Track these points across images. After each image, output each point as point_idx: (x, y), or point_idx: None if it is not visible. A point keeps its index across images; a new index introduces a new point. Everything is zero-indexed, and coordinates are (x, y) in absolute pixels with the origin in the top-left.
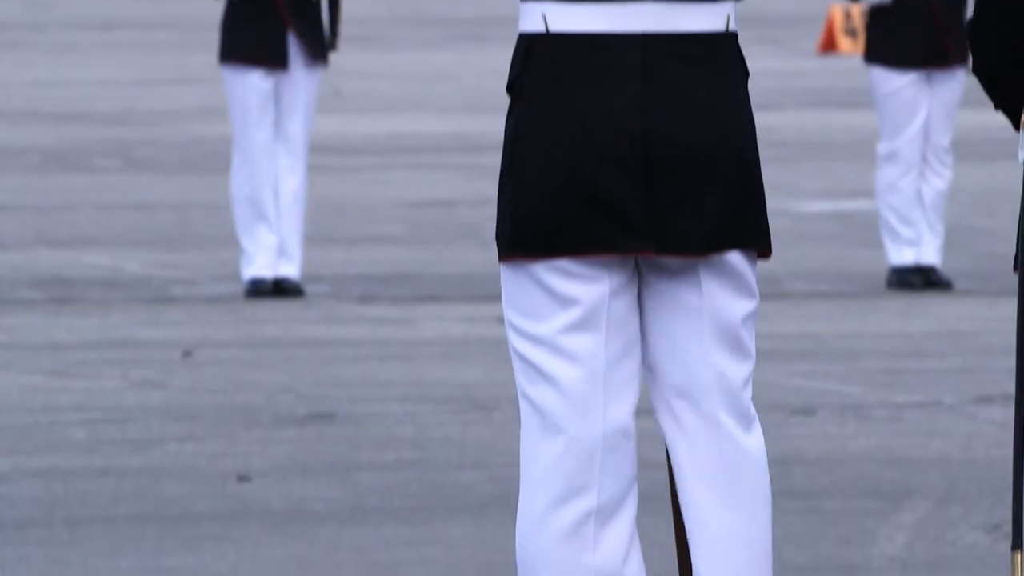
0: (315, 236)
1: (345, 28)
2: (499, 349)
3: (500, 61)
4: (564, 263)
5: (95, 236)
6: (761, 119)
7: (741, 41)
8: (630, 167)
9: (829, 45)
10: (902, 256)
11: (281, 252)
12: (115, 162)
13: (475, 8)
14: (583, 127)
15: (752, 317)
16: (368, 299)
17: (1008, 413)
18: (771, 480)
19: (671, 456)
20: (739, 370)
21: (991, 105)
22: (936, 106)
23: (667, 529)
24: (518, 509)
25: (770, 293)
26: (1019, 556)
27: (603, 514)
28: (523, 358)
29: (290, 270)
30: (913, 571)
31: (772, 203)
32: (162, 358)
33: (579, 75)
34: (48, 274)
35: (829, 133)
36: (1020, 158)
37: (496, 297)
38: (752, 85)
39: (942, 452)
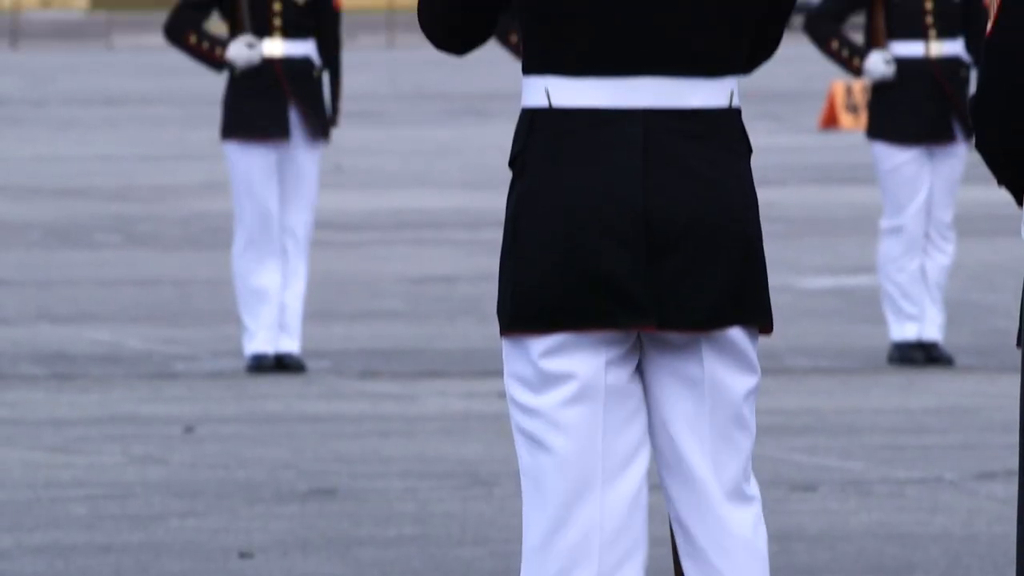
0: (316, 312)
1: (346, 104)
2: (500, 425)
3: (501, 136)
4: (565, 337)
5: (96, 312)
6: (763, 195)
7: (743, 117)
8: (631, 242)
9: (831, 121)
10: (904, 332)
11: (282, 328)
12: (116, 237)
13: (476, 84)
14: (584, 202)
15: (753, 393)
16: (369, 375)
17: (1010, 489)
18: (772, 556)
19: (673, 531)
20: (739, 446)
21: (993, 181)
22: (938, 182)
23: None
24: None
25: (771, 368)
26: None
27: None
28: (524, 431)
29: (291, 346)
30: None
31: (774, 279)
32: (163, 434)
33: (581, 150)
34: (49, 350)
35: (831, 209)
36: (1023, 234)
37: (497, 372)
38: (754, 161)
39: (944, 528)
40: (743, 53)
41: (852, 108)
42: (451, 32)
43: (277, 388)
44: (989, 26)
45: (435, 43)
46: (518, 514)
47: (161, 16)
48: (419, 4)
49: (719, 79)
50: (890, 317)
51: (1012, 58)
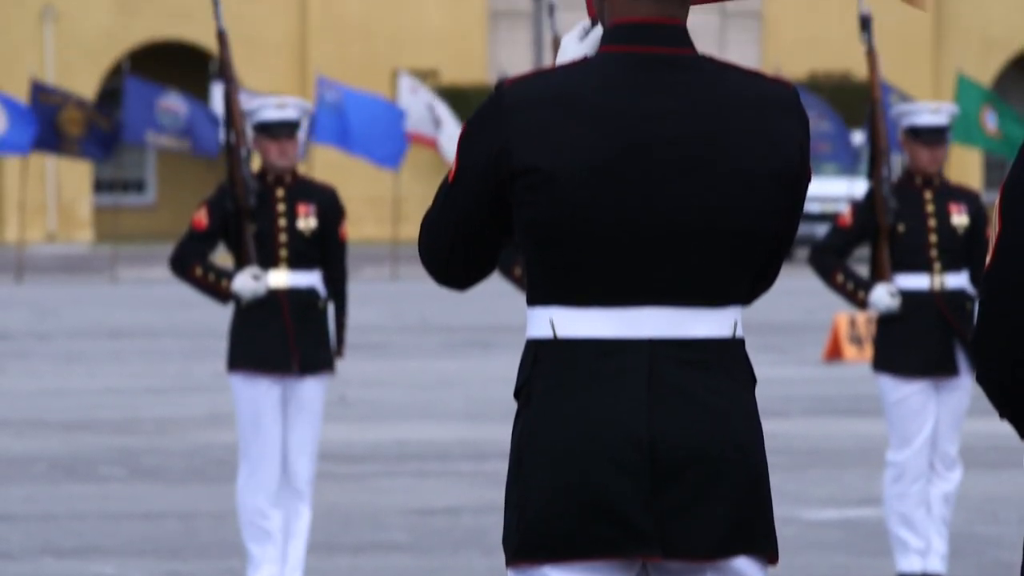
0: (320, 544)
1: (351, 335)
2: None
3: (505, 368)
4: (571, 566)
5: (101, 545)
6: (767, 426)
7: (746, 348)
8: (636, 472)
9: (835, 353)
10: (910, 564)
11: (286, 560)
12: (121, 471)
13: (480, 316)
14: (589, 432)
15: None
16: None
17: None
18: None
19: None
20: None
21: (996, 413)
22: (944, 414)
23: None
24: None
25: None
26: None
27: None
28: None
29: None
30: None
31: (778, 510)
32: None
33: (585, 381)
34: None
35: (835, 440)
36: None
37: None
38: (758, 392)
39: None
40: (745, 284)
41: (856, 340)
42: (452, 268)
43: None
44: (988, 260)
45: (437, 278)
46: None
47: (166, 249)
48: (421, 240)
49: (722, 309)
50: (896, 548)
51: (1012, 293)
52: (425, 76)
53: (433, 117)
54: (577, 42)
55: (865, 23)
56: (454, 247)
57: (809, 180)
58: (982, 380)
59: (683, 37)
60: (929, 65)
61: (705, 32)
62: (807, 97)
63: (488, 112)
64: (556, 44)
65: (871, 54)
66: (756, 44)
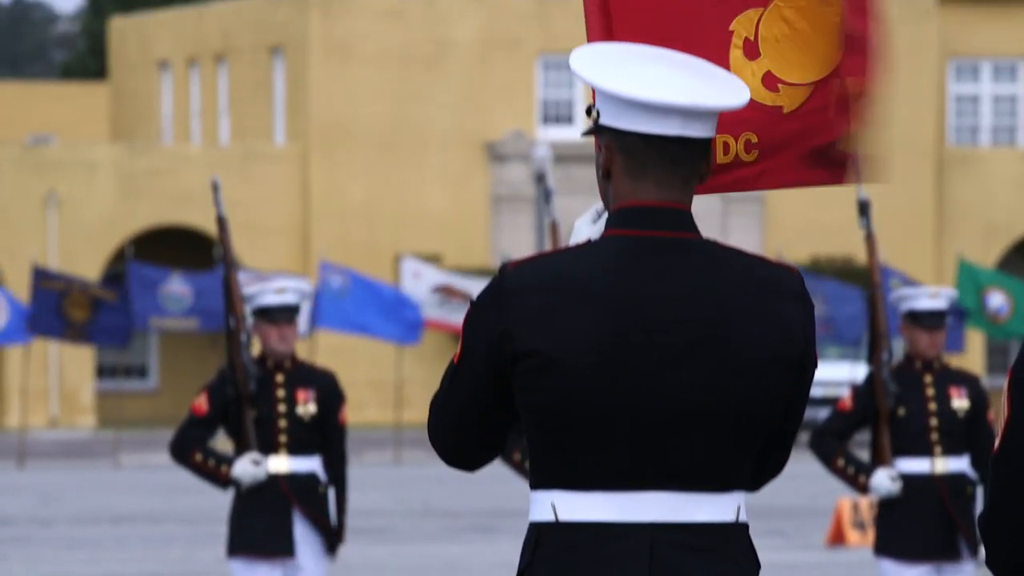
0: None
1: (353, 519)
2: None
3: (508, 553)
4: None
5: None
6: None
7: (750, 533)
8: None
9: (837, 538)
10: None
11: None
12: None
13: (483, 500)
14: None
15: None
16: None
17: None
18: None
19: None
20: None
21: None
22: None
23: None
24: None
25: None
26: None
27: None
28: None
29: None
30: None
31: None
32: None
33: (587, 565)
34: None
35: None
36: None
37: None
38: None
39: None
40: (749, 469)
41: (859, 525)
42: (460, 450)
43: None
44: (997, 442)
45: (446, 460)
46: None
47: (168, 434)
48: (430, 422)
49: (725, 494)
50: None
51: (1022, 475)
52: (428, 260)
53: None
54: (590, 224)
55: (863, 208)
56: (460, 429)
57: (815, 366)
58: (992, 564)
59: (687, 221)
60: (931, 249)
61: (707, 216)
62: (809, 279)
63: (491, 295)
64: (553, 229)
65: (870, 239)
66: (758, 229)
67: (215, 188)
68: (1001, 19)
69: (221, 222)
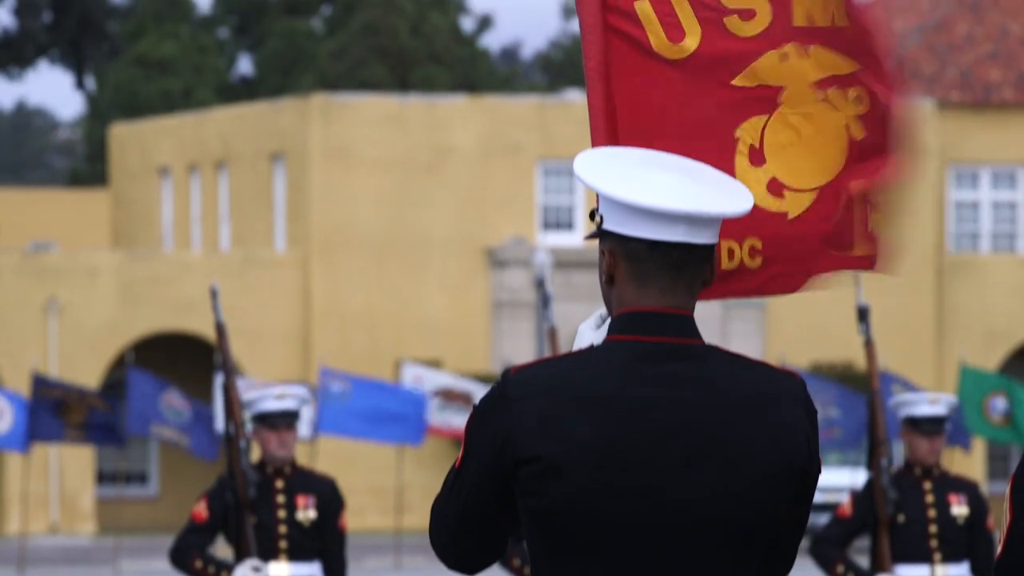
0: None
1: None
2: None
3: None
4: None
5: None
6: None
7: None
8: None
9: None
10: None
11: None
12: None
13: None
14: None
15: None
16: None
17: None
18: None
19: None
20: None
21: None
22: None
23: None
24: None
25: None
26: None
27: None
28: None
29: None
30: None
31: None
32: None
33: None
34: None
35: None
36: None
37: None
38: None
39: None
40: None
41: None
42: (460, 553)
43: None
44: (1000, 548)
45: (447, 563)
46: None
47: (168, 541)
48: (431, 526)
49: None
50: None
51: None
52: (428, 365)
53: (445, 403)
54: (593, 329)
55: (863, 314)
56: (461, 533)
57: (819, 472)
58: None
59: (690, 327)
60: (932, 355)
61: (708, 321)
62: (813, 381)
63: (493, 400)
64: (552, 335)
65: (869, 345)
66: (759, 335)
67: (214, 295)
68: (1000, 126)
69: (220, 328)
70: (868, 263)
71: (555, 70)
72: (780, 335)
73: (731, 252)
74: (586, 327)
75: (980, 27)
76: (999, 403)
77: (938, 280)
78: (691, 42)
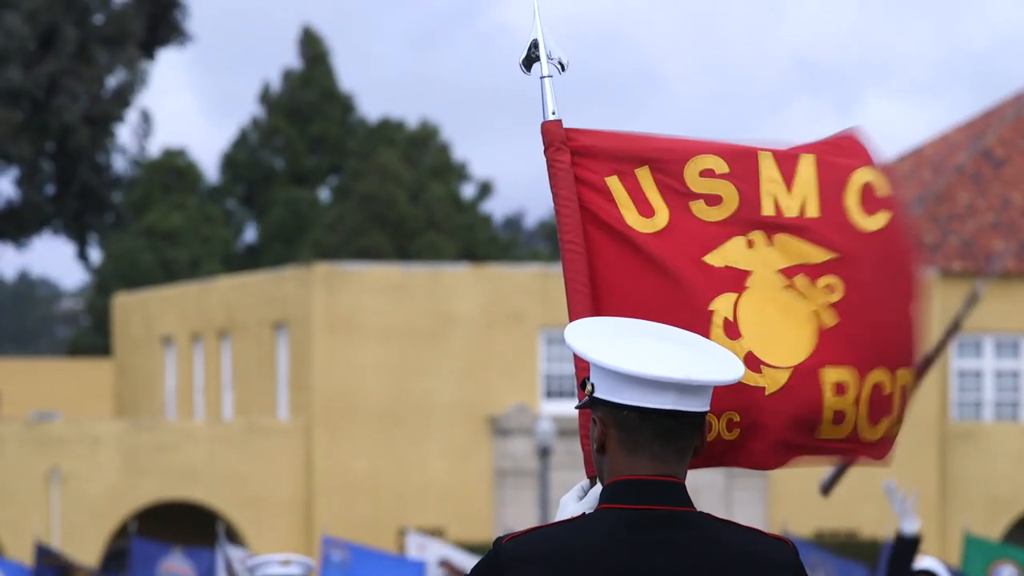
0: None
1: None
2: None
3: None
4: None
5: None
6: None
7: None
8: None
9: None
10: None
11: None
12: None
13: None
14: None
15: None
16: None
17: None
18: None
19: None
20: None
21: None
22: None
23: None
24: None
25: None
26: None
27: None
28: None
29: None
30: None
31: None
32: None
33: None
34: None
35: None
36: None
37: None
38: None
39: None
40: None
41: None
42: None
43: None
44: None
45: None
46: None
47: None
48: None
49: None
50: None
51: None
52: (431, 534)
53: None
54: (576, 501)
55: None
56: None
57: None
58: None
59: (681, 495)
60: (935, 523)
61: (710, 489)
62: (815, 553)
63: (486, 567)
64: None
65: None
66: (762, 503)
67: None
68: (1003, 295)
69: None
70: (858, 454)
71: (558, 239)
72: (783, 503)
73: (708, 425)
74: (569, 498)
75: (982, 198)
76: (1005, 571)
77: (941, 448)
78: (661, 219)
